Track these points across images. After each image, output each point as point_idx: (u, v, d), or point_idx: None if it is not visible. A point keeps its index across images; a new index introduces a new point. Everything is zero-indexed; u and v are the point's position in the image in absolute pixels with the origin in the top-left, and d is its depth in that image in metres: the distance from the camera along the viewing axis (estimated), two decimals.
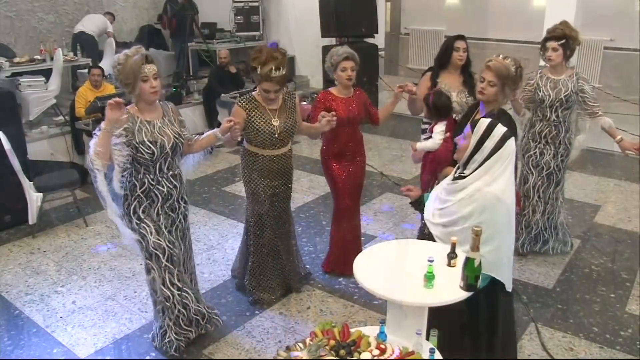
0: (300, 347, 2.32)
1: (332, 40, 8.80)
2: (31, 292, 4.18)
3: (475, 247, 2.30)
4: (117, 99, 2.84)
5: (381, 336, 2.40)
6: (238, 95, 7.30)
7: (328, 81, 8.73)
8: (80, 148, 6.66)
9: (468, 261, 2.30)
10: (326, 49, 8.66)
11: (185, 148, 3.26)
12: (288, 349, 2.35)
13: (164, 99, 3.17)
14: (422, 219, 2.93)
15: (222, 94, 7.67)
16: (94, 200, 5.81)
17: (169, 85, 8.26)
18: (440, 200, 2.70)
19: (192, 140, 3.29)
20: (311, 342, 2.33)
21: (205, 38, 9.44)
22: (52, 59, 7.78)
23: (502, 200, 2.50)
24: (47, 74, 7.52)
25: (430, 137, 3.78)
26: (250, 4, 9.61)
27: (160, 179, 3.11)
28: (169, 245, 3.18)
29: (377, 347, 2.33)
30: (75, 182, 5.34)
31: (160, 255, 3.15)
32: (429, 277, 2.31)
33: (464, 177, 2.57)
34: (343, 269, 4.23)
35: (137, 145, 2.98)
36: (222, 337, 3.61)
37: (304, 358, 2.26)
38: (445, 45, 4.21)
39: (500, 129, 2.52)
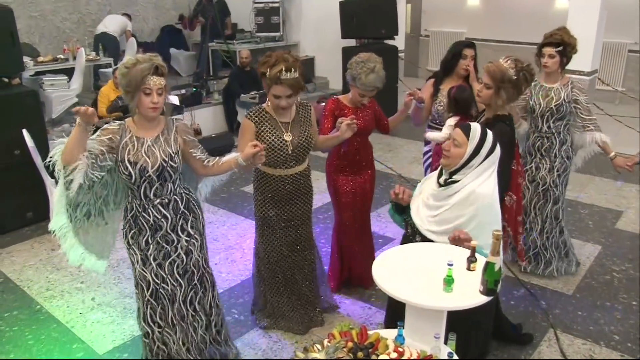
0: (318, 349, 2.32)
1: (352, 42, 8.79)
2: (52, 287, 4.23)
3: (495, 252, 2.28)
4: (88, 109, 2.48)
5: (399, 339, 2.40)
6: (257, 96, 7.33)
7: (347, 83, 8.73)
8: None
9: (488, 265, 2.28)
10: (346, 51, 8.65)
11: (201, 170, 2.94)
12: (306, 349, 2.35)
13: (170, 114, 2.88)
14: (406, 228, 2.90)
15: (242, 95, 7.71)
16: None
17: (189, 85, 8.33)
18: (429, 206, 2.68)
19: (209, 162, 2.91)
20: (329, 344, 2.33)
21: (226, 38, 9.49)
22: (74, 58, 7.89)
23: (494, 200, 2.61)
24: (69, 73, 7.63)
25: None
26: (270, 4, 9.64)
27: (145, 206, 2.78)
28: (155, 279, 2.86)
29: (395, 350, 2.32)
30: None
31: (145, 288, 2.88)
32: (448, 281, 2.30)
33: (456, 182, 2.60)
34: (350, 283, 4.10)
35: (118, 163, 2.69)
36: (239, 337, 3.62)
37: (321, 359, 2.26)
38: (452, 51, 3.98)
39: (490, 134, 2.62)
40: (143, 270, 2.85)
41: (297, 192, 3.35)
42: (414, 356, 2.32)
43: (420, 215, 2.73)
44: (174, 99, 6.62)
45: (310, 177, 3.45)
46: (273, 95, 3.11)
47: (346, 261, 4.03)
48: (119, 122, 2.74)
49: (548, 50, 3.90)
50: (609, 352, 3.47)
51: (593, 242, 4.89)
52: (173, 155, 2.75)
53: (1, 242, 5.00)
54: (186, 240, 2.90)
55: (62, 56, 8.06)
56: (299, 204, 3.39)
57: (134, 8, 10.34)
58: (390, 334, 2.46)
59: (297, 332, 3.59)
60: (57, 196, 2.72)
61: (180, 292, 2.94)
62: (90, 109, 2.50)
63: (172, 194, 2.82)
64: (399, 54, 8.93)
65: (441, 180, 2.69)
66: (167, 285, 2.89)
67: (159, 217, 2.80)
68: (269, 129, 3.19)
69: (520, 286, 4.17)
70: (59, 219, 2.76)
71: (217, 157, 2.96)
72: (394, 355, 2.30)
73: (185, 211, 2.89)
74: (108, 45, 8.92)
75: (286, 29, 10.04)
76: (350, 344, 2.33)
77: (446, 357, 2.32)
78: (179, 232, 2.88)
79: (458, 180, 2.61)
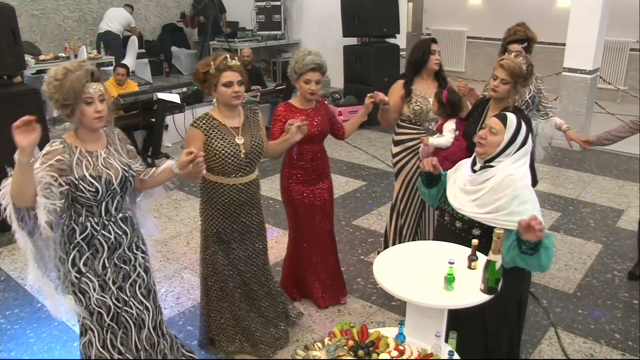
0: (319, 347, 2.32)
1: (353, 40, 8.79)
2: None
3: (496, 250, 2.28)
4: (25, 118, 2.17)
5: (400, 337, 2.40)
6: (259, 94, 7.33)
7: (348, 82, 8.75)
8: None
9: (489, 264, 2.28)
10: (348, 49, 8.67)
11: (138, 183, 2.69)
12: (306, 348, 2.35)
13: (112, 124, 2.64)
14: (442, 216, 2.90)
15: None
16: None
17: (191, 83, 8.33)
18: (467, 192, 2.70)
19: (147, 175, 2.73)
20: (330, 342, 2.34)
21: (227, 37, 9.50)
22: (76, 56, 7.90)
23: (529, 183, 2.65)
24: None
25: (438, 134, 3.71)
26: (272, 3, 9.64)
27: (106, 222, 2.53)
28: (117, 303, 2.61)
29: (396, 349, 2.32)
30: None
31: (104, 314, 2.59)
32: (449, 279, 2.30)
33: (492, 167, 2.64)
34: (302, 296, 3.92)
35: (76, 182, 2.40)
36: None
37: (322, 358, 2.26)
38: (420, 49, 3.89)
39: (524, 125, 2.69)
40: (102, 296, 2.57)
41: (250, 202, 3.17)
42: (415, 355, 2.32)
43: (459, 200, 2.74)
44: (175, 97, 6.63)
45: (260, 186, 3.27)
46: (224, 85, 2.93)
47: (305, 275, 3.85)
48: (59, 139, 2.46)
49: (515, 47, 4.00)
50: (610, 350, 3.47)
51: (594, 241, 4.89)
52: (129, 164, 2.59)
53: (2, 240, 5.01)
54: (142, 257, 2.71)
55: (63, 54, 8.08)
56: (253, 215, 3.22)
57: (135, 6, 10.35)
58: (391, 332, 2.47)
59: (264, 356, 3.35)
60: (22, 244, 2.46)
61: (149, 316, 2.74)
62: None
63: (127, 208, 2.64)
64: (401, 53, 8.93)
65: (476, 168, 2.71)
66: (132, 308, 2.67)
67: (120, 233, 2.58)
68: (219, 135, 3.00)
69: None
70: (35, 273, 2.50)
71: (153, 168, 2.76)
72: (395, 353, 2.30)
73: (137, 227, 2.71)
74: (112, 43, 8.93)
75: (287, 27, 10.05)
76: (351, 343, 2.34)
77: (447, 356, 2.32)
78: (134, 250, 2.67)
79: (494, 166, 2.64)
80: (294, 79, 3.50)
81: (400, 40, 8.96)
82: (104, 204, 2.50)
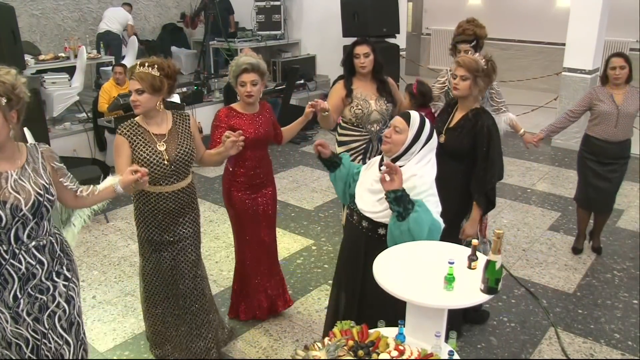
0: (319, 347, 2.32)
1: (353, 40, 8.78)
2: None
3: (496, 250, 2.27)
4: None
5: (400, 337, 2.39)
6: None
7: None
8: (102, 145, 6.76)
9: (489, 264, 2.27)
10: (347, 49, 8.66)
11: (72, 201, 2.52)
12: (306, 348, 2.35)
13: (24, 140, 2.46)
14: (351, 215, 2.88)
15: None
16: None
17: (191, 83, 8.34)
18: (373, 191, 2.74)
19: (86, 192, 2.52)
20: (329, 342, 2.33)
21: (227, 37, 9.50)
22: (75, 56, 7.89)
23: (432, 181, 2.69)
24: (71, 71, 7.63)
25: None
26: (272, 3, 9.64)
27: (16, 251, 2.25)
28: (34, 335, 2.35)
29: (396, 349, 2.32)
30: (96, 178, 5.39)
31: (23, 346, 2.35)
32: (449, 279, 2.29)
33: (400, 167, 2.69)
34: (258, 315, 3.75)
35: None
36: (240, 335, 3.63)
37: (322, 358, 2.26)
38: (347, 51, 3.95)
39: (428, 122, 2.73)
40: (17, 328, 2.32)
41: (180, 211, 3.04)
42: (415, 355, 2.32)
43: (364, 200, 2.79)
44: (175, 97, 6.62)
45: (195, 194, 3.14)
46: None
47: (252, 288, 3.69)
48: None
49: (463, 47, 4.05)
50: (610, 350, 3.48)
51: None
52: (47, 186, 2.30)
53: None
54: (64, 285, 2.42)
55: (63, 54, 8.06)
56: (184, 224, 3.08)
57: (135, 6, 10.35)
58: (391, 332, 2.46)
59: None
60: None
61: (69, 351, 2.46)
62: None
63: (48, 234, 2.36)
64: (401, 53, 8.93)
65: (383, 168, 2.72)
66: (50, 342, 2.40)
67: (34, 263, 2.31)
68: (143, 142, 2.88)
69: (521, 284, 4.17)
70: None
71: (92, 186, 2.58)
72: (395, 353, 2.30)
73: (61, 254, 2.44)
74: (112, 43, 8.93)
75: (287, 27, 10.05)
76: (350, 343, 2.33)
77: (447, 356, 2.32)
78: (54, 278, 2.39)
79: (402, 166, 2.67)
80: (234, 85, 3.43)
81: (400, 40, 8.95)
82: (12, 230, 2.23)
